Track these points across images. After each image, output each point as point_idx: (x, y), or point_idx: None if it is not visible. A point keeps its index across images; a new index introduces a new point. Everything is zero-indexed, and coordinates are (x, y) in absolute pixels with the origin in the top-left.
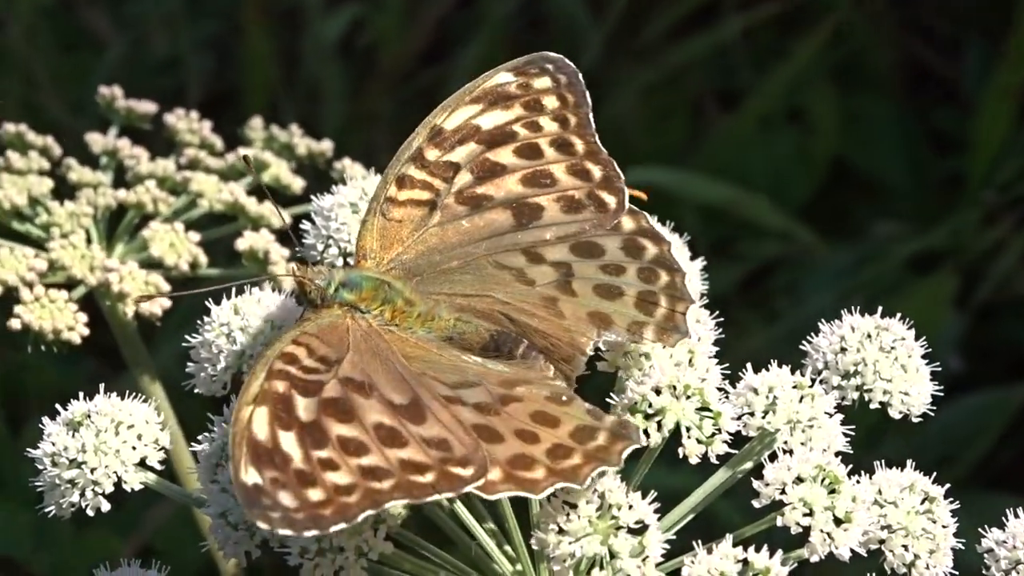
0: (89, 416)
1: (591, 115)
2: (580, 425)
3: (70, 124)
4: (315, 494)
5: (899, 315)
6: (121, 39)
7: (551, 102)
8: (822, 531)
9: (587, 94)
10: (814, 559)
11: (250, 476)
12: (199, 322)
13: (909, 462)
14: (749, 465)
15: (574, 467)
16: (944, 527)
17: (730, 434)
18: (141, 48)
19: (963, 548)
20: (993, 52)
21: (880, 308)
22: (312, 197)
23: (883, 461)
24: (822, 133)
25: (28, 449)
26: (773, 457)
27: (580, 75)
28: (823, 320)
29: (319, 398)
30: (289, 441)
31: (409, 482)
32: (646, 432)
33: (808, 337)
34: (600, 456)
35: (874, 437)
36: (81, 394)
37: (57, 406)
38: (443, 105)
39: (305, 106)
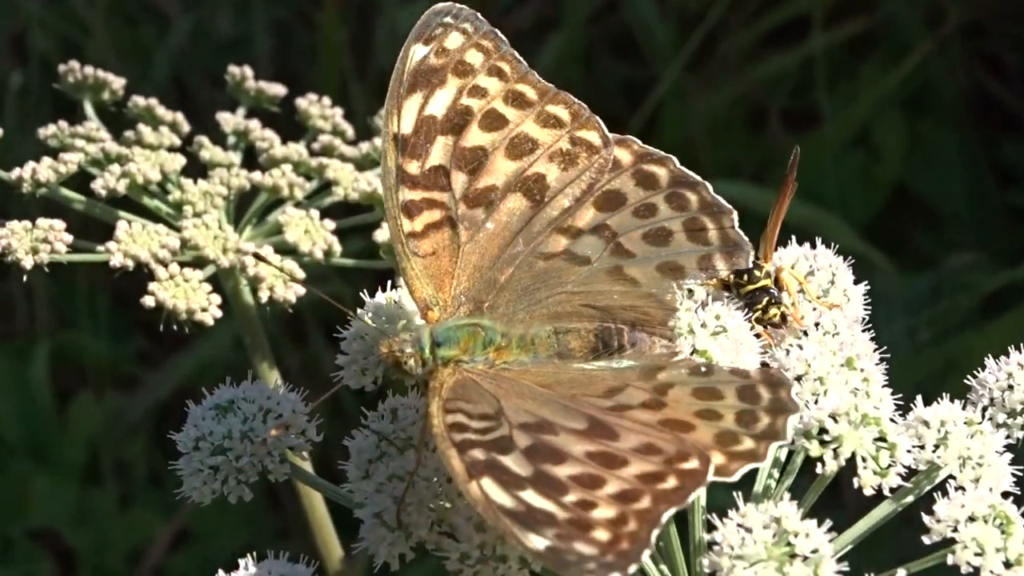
0: (234, 402)
1: (514, 51)
2: (741, 386)
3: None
4: (601, 535)
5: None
6: (186, 17)
7: (475, 57)
8: (992, 572)
9: (497, 31)
10: None
11: (536, 542)
12: (350, 314)
13: None
14: (911, 498)
15: (764, 426)
16: None
17: (904, 467)
18: (204, 27)
19: None
20: None
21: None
22: None
23: None
24: (887, 158)
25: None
26: (938, 492)
27: (479, 15)
28: (897, 349)
29: (518, 451)
30: (535, 498)
31: (662, 492)
32: (821, 459)
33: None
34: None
35: None
36: (228, 379)
37: (204, 389)
38: (387, 108)
39: (375, 100)
